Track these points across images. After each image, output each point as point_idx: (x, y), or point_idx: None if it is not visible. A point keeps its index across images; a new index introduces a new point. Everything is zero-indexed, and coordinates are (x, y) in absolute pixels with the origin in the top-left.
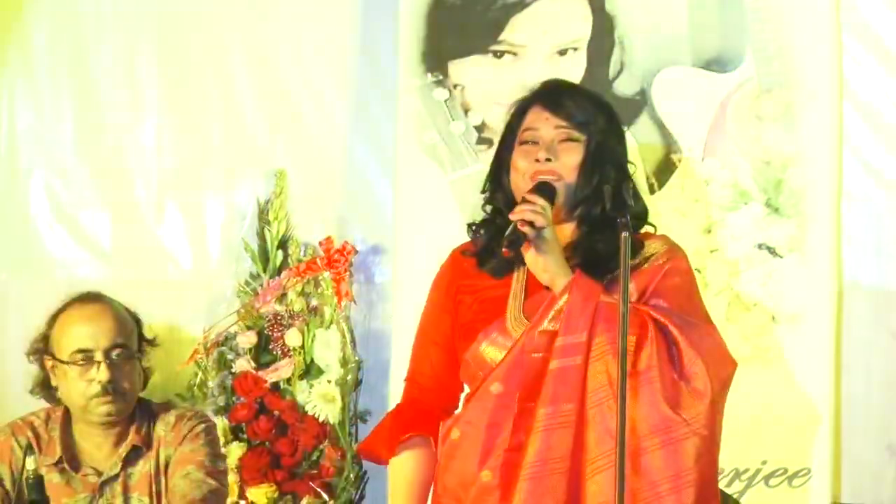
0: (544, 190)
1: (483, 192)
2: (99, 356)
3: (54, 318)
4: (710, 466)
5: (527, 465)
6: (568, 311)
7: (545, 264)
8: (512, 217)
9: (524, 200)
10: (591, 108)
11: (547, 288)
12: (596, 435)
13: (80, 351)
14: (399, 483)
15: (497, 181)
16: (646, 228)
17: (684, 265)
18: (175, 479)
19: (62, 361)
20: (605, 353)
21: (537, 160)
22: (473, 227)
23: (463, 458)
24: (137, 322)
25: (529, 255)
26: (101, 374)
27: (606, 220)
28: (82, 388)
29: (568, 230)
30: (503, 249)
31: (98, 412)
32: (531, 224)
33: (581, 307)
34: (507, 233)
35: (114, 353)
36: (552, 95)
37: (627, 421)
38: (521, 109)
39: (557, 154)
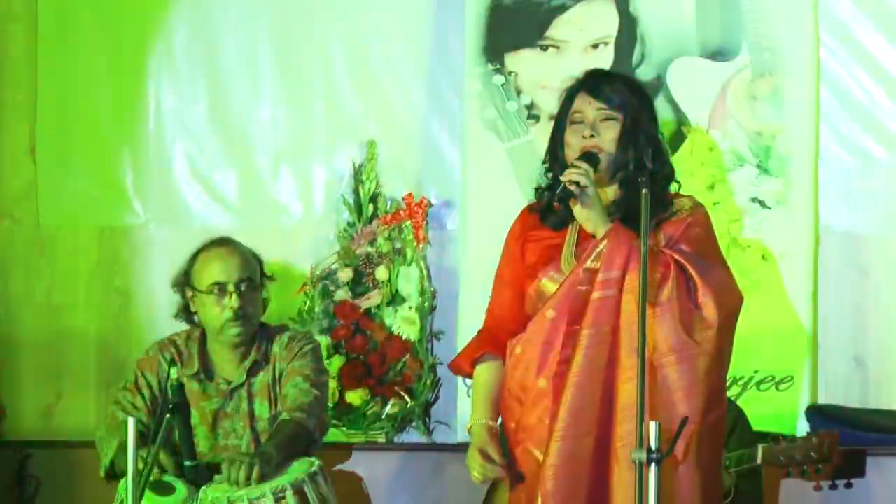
0: (589, 157)
1: (543, 163)
2: (231, 287)
3: (194, 257)
4: (716, 380)
5: (572, 374)
6: (607, 253)
7: (589, 215)
8: (562, 178)
9: (572, 165)
10: (625, 91)
11: (593, 236)
12: (626, 351)
13: (216, 283)
14: (477, 388)
15: (554, 155)
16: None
17: (704, 219)
18: (286, 387)
19: (201, 291)
20: (636, 287)
21: (583, 136)
22: (538, 190)
23: (524, 369)
24: (259, 262)
25: (577, 208)
26: (233, 301)
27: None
28: (217, 313)
29: (612, 192)
30: (554, 203)
31: (230, 334)
32: (577, 184)
33: (617, 249)
34: (557, 190)
35: (242, 286)
36: (594, 83)
37: (650, 342)
38: (569, 96)
39: (599, 130)
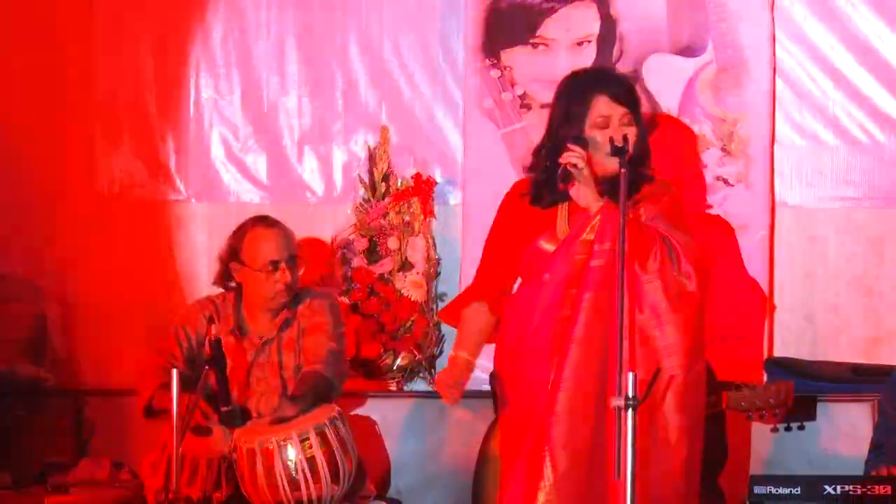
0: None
1: (541, 148)
2: (283, 265)
3: (242, 235)
4: (695, 338)
5: (576, 332)
6: (600, 227)
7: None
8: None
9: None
10: (634, 91)
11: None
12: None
13: (272, 262)
14: (464, 324)
15: (554, 140)
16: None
17: (677, 197)
18: (308, 342)
19: (256, 269)
20: (627, 257)
21: (612, 138)
22: (534, 179)
23: (522, 326)
24: (293, 238)
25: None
26: (286, 276)
27: (631, 161)
28: (270, 286)
29: (610, 168)
30: (559, 184)
31: (279, 303)
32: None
33: (609, 224)
34: (559, 173)
35: (290, 262)
36: (614, 88)
37: (639, 306)
38: (582, 93)
39: (624, 132)
